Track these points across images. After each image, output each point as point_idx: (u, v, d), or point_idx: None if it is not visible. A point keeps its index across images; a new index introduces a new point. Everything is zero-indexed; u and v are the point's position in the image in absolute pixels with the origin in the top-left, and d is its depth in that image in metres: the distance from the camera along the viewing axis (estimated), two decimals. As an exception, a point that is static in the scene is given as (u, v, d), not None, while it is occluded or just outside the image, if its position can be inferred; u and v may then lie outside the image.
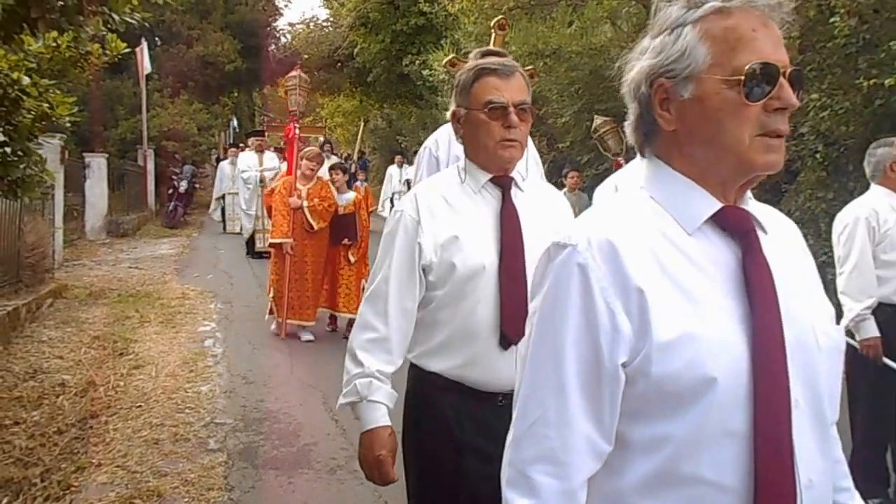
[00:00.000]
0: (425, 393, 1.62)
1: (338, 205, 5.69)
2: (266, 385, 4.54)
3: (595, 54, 9.37)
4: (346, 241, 5.67)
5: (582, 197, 7.48)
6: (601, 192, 2.76)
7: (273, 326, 5.70)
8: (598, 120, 5.76)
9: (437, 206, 1.62)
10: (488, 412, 1.56)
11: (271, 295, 5.70)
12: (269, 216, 6.21)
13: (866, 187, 6.10)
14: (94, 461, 3.33)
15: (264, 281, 8.03)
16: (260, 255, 9.22)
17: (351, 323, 5.64)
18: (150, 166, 14.31)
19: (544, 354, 0.88)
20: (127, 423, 3.78)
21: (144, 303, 6.69)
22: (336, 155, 14.97)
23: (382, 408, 1.57)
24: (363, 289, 5.54)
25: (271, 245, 5.79)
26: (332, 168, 6.09)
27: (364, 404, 1.56)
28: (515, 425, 0.91)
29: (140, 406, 4.05)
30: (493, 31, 4.88)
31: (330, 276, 5.74)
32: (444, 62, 5.25)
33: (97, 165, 11.10)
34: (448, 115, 1.70)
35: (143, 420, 3.83)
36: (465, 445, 1.57)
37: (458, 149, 2.51)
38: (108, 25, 3.06)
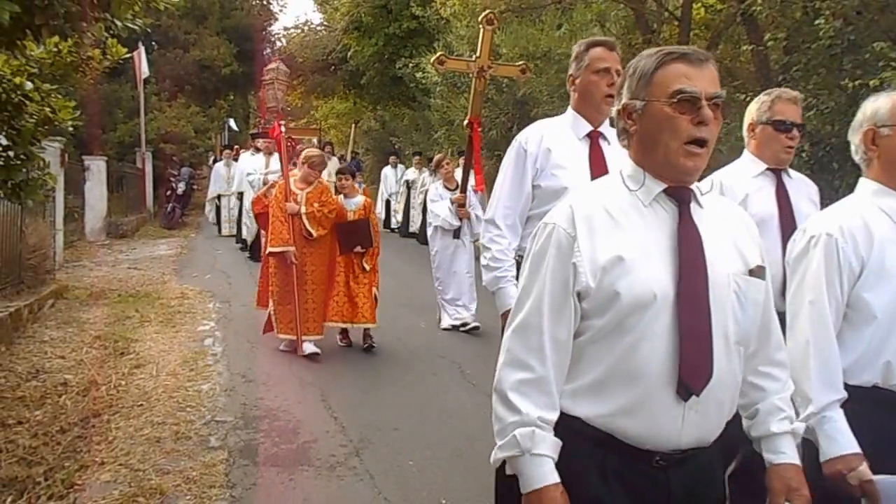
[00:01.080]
0: (563, 441, 1.32)
1: (346, 210, 5.39)
2: (265, 383, 4.59)
3: (584, 57, 9.47)
4: (359, 248, 5.33)
5: None
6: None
7: (283, 346, 5.26)
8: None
9: (597, 218, 1.32)
10: (641, 474, 1.30)
11: (271, 309, 5.22)
12: (258, 222, 5.76)
13: (851, 186, 6.19)
14: (96, 460, 3.36)
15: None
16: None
17: (367, 333, 5.36)
18: (149, 168, 14.39)
19: None
20: (129, 422, 3.82)
21: (144, 303, 6.74)
22: (338, 157, 14.91)
23: (549, 462, 1.29)
24: (376, 297, 5.43)
25: (270, 254, 5.20)
26: (339, 173, 5.73)
27: (526, 458, 1.28)
28: None
29: (141, 405, 4.10)
30: (480, 26, 4.92)
31: (344, 288, 5.32)
32: (432, 60, 5.08)
33: (96, 168, 11.18)
34: (614, 111, 1.41)
35: (144, 419, 3.87)
36: None
37: (551, 141, 2.39)
38: (111, 31, 3.11)
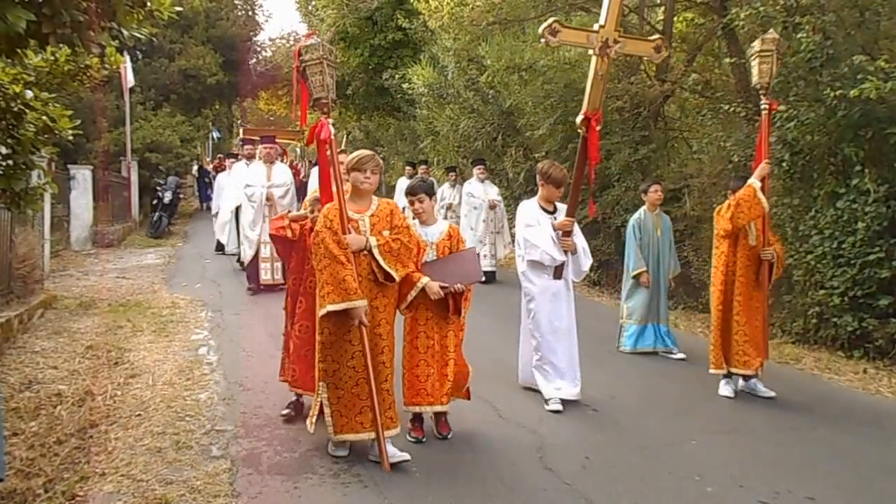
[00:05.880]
0: None
1: (423, 241, 3.86)
2: (263, 391, 4.56)
3: (568, 68, 9.64)
4: (460, 284, 3.75)
5: (664, 218, 6.22)
6: None
7: (332, 447, 3.60)
8: (765, 40, 4.67)
9: None
10: None
11: (323, 395, 3.46)
12: (279, 253, 4.35)
13: (830, 194, 6.37)
14: (97, 470, 3.34)
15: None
16: (267, 289, 7.75)
17: (441, 417, 3.88)
18: (134, 177, 14.31)
19: None
20: (128, 432, 3.80)
21: (135, 312, 6.69)
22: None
23: None
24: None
25: (326, 315, 3.35)
26: (410, 192, 3.94)
27: None
28: None
29: (140, 415, 4.07)
30: None
31: (432, 353, 3.81)
32: (541, 29, 3.88)
33: (82, 177, 11.10)
34: None
35: (143, 429, 3.85)
36: None
37: None
38: (118, 40, 3.13)
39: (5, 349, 5.13)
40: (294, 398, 4.18)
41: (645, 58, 4.45)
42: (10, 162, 3.54)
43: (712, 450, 3.82)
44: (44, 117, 3.75)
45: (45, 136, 3.73)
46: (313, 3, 19.56)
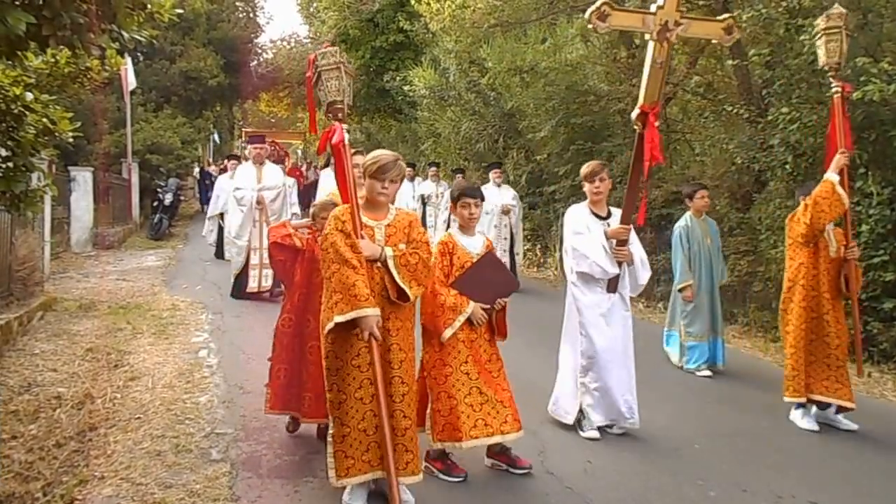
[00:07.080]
0: None
1: (468, 254, 3.48)
2: (263, 394, 4.54)
3: (570, 70, 9.65)
4: (503, 299, 3.46)
5: (711, 223, 5.79)
6: None
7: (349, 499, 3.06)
8: (831, 16, 4.08)
9: None
10: None
11: (333, 433, 2.99)
12: (279, 267, 3.90)
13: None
14: (96, 474, 3.32)
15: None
16: (252, 297, 7.45)
17: (507, 451, 3.50)
18: (135, 179, 14.32)
19: None
20: (127, 435, 3.79)
21: (135, 314, 6.67)
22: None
23: None
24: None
25: (332, 334, 2.94)
26: (465, 195, 3.54)
27: None
28: None
29: (139, 418, 4.05)
30: None
31: (479, 379, 3.41)
32: (588, 13, 3.47)
33: (83, 179, 11.09)
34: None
35: (143, 432, 3.83)
36: None
37: None
38: (119, 42, 3.11)
39: (4, 351, 5.11)
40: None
41: (714, 41, 4.12)
42: (11, 164, 3.51)
43: (715, 454, 3.81)
44: (44, 119, 3.73)
45: (46, 138, 3.70)
46: (315, 5, 19.61)
